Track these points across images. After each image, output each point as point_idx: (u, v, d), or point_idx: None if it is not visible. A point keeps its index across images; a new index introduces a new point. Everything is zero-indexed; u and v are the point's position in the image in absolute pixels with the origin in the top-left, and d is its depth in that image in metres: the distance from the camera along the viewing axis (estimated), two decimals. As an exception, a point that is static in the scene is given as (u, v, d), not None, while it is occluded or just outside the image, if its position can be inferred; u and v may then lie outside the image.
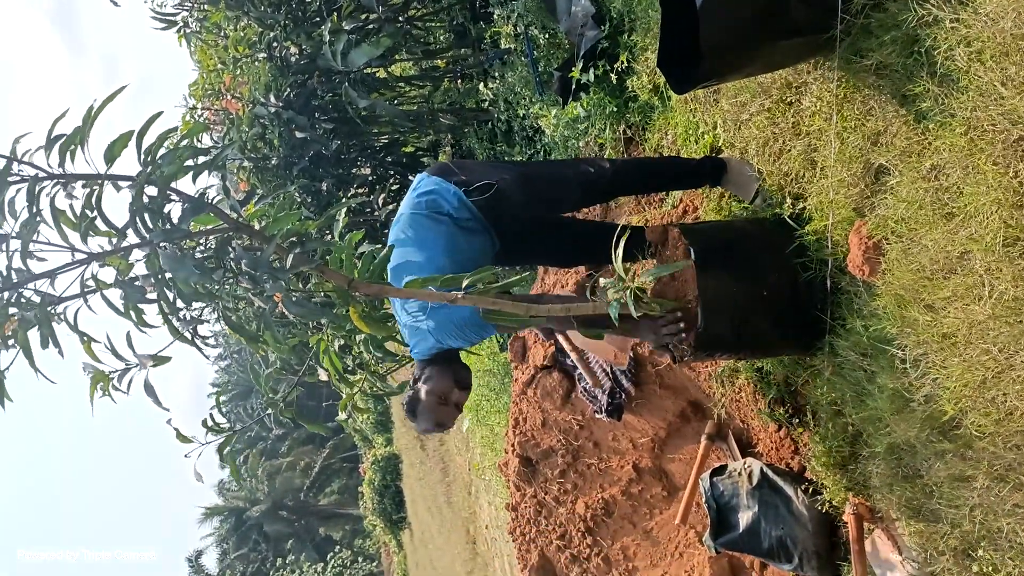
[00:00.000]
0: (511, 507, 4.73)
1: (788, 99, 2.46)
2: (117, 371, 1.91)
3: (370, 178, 5.83)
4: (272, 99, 4.74)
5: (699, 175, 2.92)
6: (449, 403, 2.48)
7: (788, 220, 2.49)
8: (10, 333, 1.65)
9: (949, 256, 1.87)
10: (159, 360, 1.89)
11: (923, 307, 1.97)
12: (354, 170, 5.72)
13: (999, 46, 1.66)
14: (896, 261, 2.04)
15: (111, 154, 1.62)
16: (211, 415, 2.40)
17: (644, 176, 2.96)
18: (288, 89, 4.74)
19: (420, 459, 14.07)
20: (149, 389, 1.90)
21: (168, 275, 1.66)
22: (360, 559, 27.12)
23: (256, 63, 4.82)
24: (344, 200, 5.13)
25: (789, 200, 2.54)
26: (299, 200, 5.09)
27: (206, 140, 5.75)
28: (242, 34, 5.01)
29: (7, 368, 1.70)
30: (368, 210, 5.61)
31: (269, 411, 2.35)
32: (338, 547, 29.48)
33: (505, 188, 2.54)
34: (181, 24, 5.76)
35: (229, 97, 5.08)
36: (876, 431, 2.24)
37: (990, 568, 1.90)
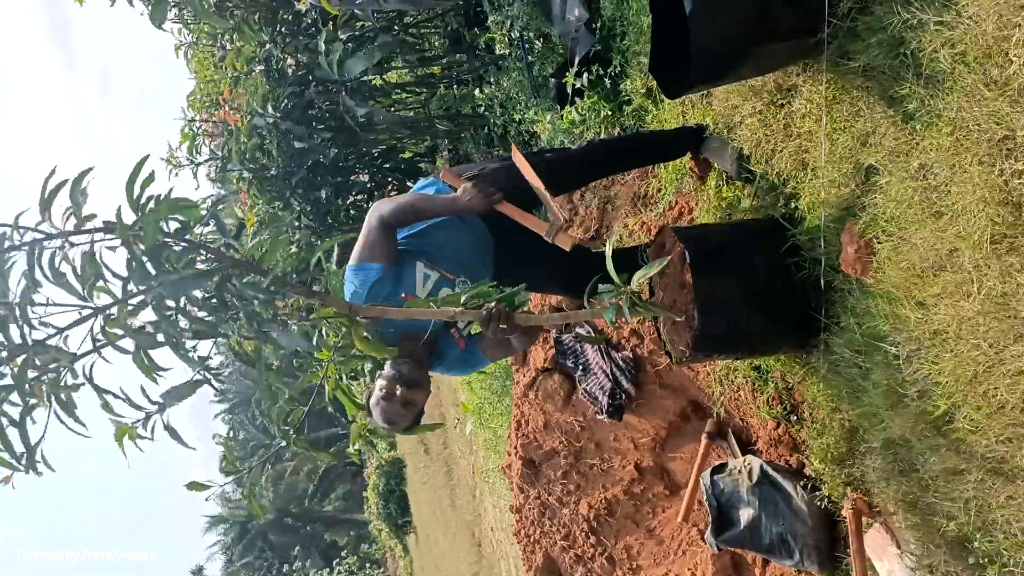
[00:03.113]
0: (515, 509, 4.76)
1: (779, 101, 2.50)
2: (139, 420, 1.90)
3: (368, 185, 5.86)
4: (270, 110, 4.78)
5: (678, 142, 3.00)
6: (395, 399, 2.32)
7: (781, 220, 2.52)
8: (44, 398, 1.66)
9: (938, 254, 1.91)
10: (185, 392, 1.89)
11: (914, 304, 2.00)
12: (352, 177, 5.76)
13: (982, 48, 1.70)
14: (887, 259, 2.08)
15: (89, 219, 1.64)
16: (225, 458, 2.38)
17: (614, 154, 3.00)
18: (285, 100, 4.77)
19: (424, 463, 14.08)
20: (172, 432, 1.91)
21: (172, 313, 1.69)
22: (366, 564, 27.10)
23: (253, 75, 4.86)
24: (341, 209, 5.17)
25: (782, 201, 2.57)
26: (298, 209, 5.12)
27: (204, 151, 5.79)
28: (240, 45, 5.05)
29: (43, 436, 1.70)
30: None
31: (283, 443, 2.36)
32: (344, 553, 29.45)
33: (488, 173, 2.64)
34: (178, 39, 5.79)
35: (227, 109, 5.12)
36: (872, 427, 2.27)
37: (986, 559, 1.93)
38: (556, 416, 4.40)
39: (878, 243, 2.12)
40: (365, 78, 5.23)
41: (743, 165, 2.76)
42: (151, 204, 1.60)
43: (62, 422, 1.68)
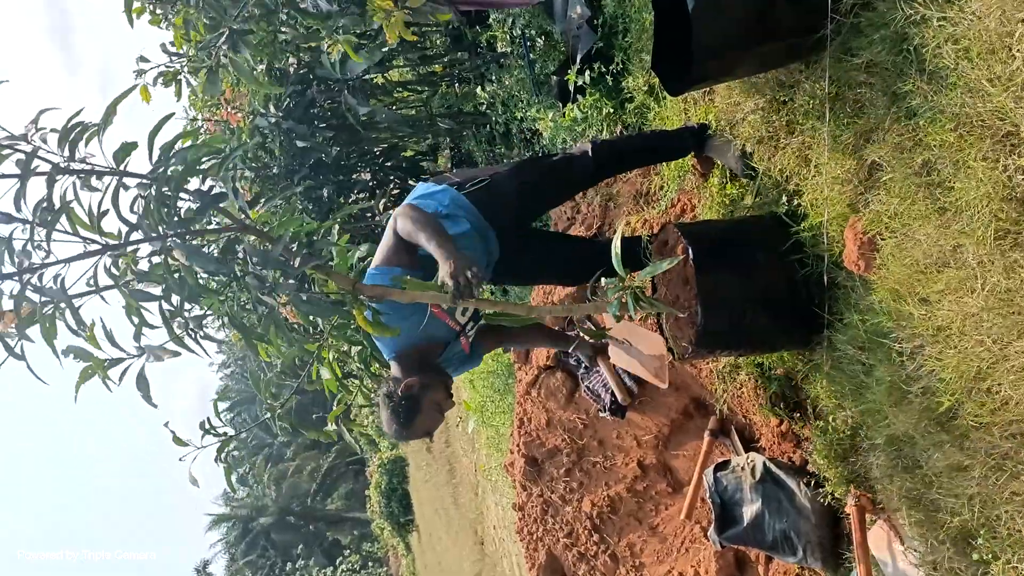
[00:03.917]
0: (518, 507, 4.77)
1: (781, 98, 2.49)
2: (112, 360, 1.84)
3: (370, 183, 5.86)
4: (272, 109, 4.78)
5: (681, 141, 3.01)
6: (443, 412, 2.56)
7: (784, 217, 2.52)
8: (12, 327, 1.65)
9: (942, 250, 1.90)
10: (166, 353, 1.86)
11: (918, 300, 2.00)
12: (354, 176, 5.75)
13: (985, 44, 1.69)
14: (891, 256, 2.07)
15: (122, 154, 1.66)
16: (208, 420, 2.36)
17: (617, 155, 3.01)
18: (287, 99, 4.77)
19: (426, 461, 14.10)
20: (142, 382, 1.85)
21: (178, 272, 1.69)
22: (369, 563, 27.13)
23: (255, 74, 4.85)
24: (343, 206, 5.17)
25: (785, 197, 2.57)
26: (301, 207, 5.12)
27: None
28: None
29: (3, 363, 1.69)
30: (369, 215, 5.64)
31: (268, 415, 2.37)
32: (347, 551, 29.49)
33: (498, 180, 2.69)
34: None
35: (229, 109, 5.11)
36: (875, 423, 2.27)
37: (989, 556, 1.93)
38: (559, 414, 4.40)
39: (881, 239, 2.12)
40: (367, 76, 5.23)
41: (746, 162, 2.76)
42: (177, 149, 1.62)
43: (23, 358, 1.68)
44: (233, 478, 2.53)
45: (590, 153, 2.85)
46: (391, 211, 5.60)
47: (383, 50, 4.23)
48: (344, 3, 2.73)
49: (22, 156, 1.62)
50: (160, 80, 3.22)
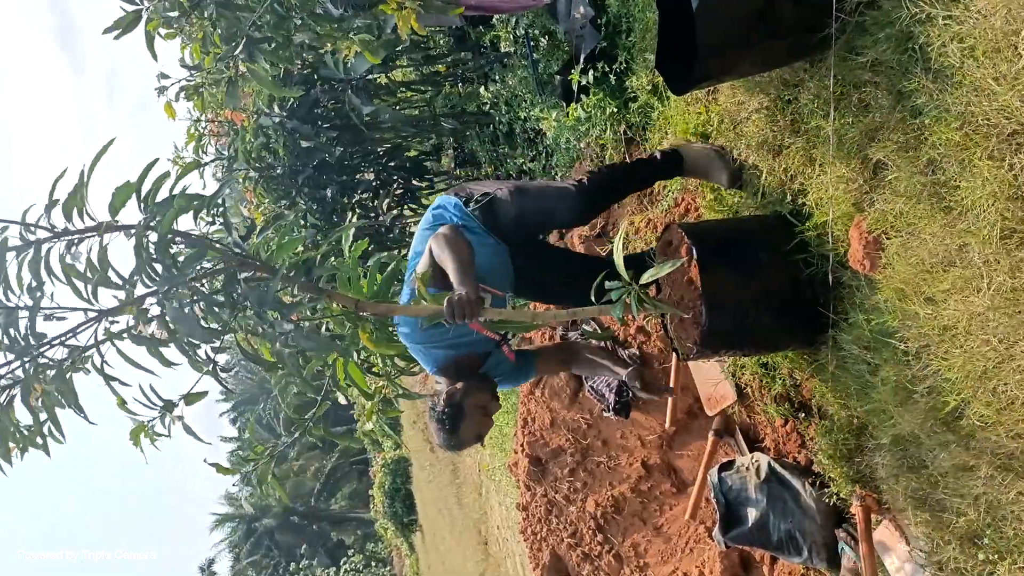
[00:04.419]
0: (522, 507, 4.77)
1: (786, 97, 2.49)
2: (154, 417, 1.95)
3: (374, 183, 5.86)
4: (276, 109, 4.78)
5: (666, 169, 2.99)
6: (490, 414, 2.60)
7: (789, 216, 2.52)
8: (37, 402, 1.69)
9: (948, 249, 1.90)
10: (192, 398, 1.94)
11: (923, 300, 2.00)
12: (358, 176, 5.75)
13: (991, 42, 1.69)
14: (896, 255, 2.07)
15: (114, 206, 1.67)
16: (249, 443, 2.46)
17: (612, 182, 2.97)
18: (291, 99, 4.77)
19: (430, 461, 14.09)
20: (188, 430, 1.96)
21: (174, 331, 1.71)
22: (372, 563, 27.15)
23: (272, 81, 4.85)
24: (350, 217, 5.18)
25: (789, 197, 2.57)
26: (305, 207, 5.12)
27: (211, 151, 5.78)
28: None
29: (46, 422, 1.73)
30: (373, 215, 5.65)
31: (297, 434, 2.38)
32: (350, 551, 29.50)
33: (501, 196, 2.74)
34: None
35: (232, 109, 5.11)
36: (881, 423, 2.26)
37: (995, 556, 1.93)
38: (563, 413, 4.40)
39: (887, 239, 2.11)
40: (371, 76, 5.24)
41: (736, 174, 2.78)
42: (162, 198, 1.62)
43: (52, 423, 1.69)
44: (283, 491, 2.57)
45: (576, 187, 2.82)
46: (394, 211, 5.62)
47: (396, 48, 4.23)
48: (353, 6, 2.73)
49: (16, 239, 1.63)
50: (182, 94, 3.27)
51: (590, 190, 2.80)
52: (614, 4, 3.71)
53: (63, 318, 1.71)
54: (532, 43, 4.57)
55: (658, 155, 2.94)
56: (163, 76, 3.26)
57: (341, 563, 27.72)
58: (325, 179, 5.22)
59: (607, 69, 3.74)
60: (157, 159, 1.80)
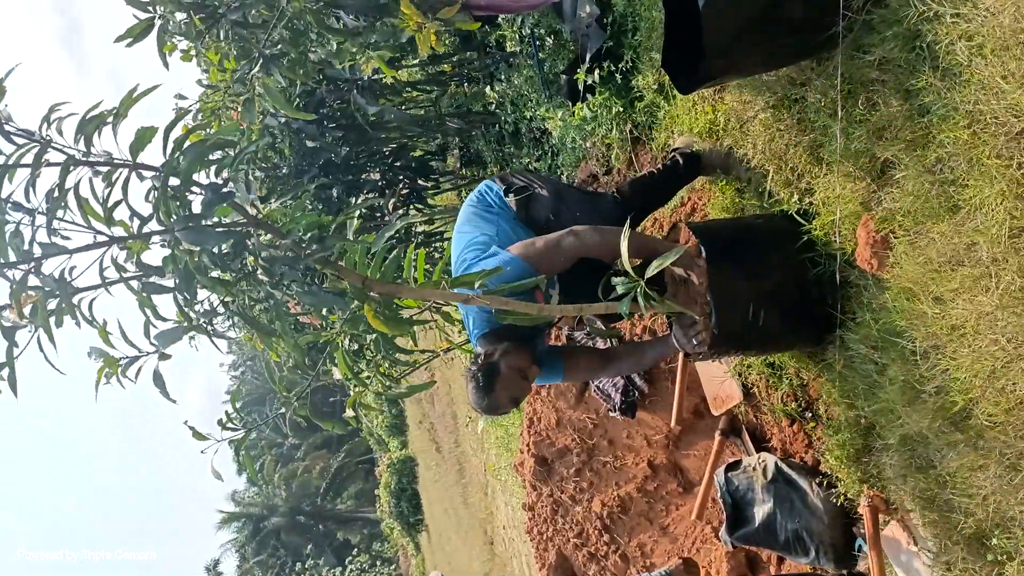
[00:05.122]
0: (528, 507, 4.76)
1: (793, 96, 2.48)
2: (127, 358, 1.87)
3: (380, 183, 5.87)
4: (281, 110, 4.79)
5: (690, 171, 3.04)
6: (528, 378, 2.55)
7: (795, 216, 2.51)
8: (27, 312, 1.65)
9: (956, 248, 1.89)
10: (179, 336, 1.87)
11: (931, 299, 1.99)
12: (364, 175, 5.76)
13: (999, 40, 1.68)
14: (904, 254, 2.06)
15: (138, 144, 1.66)
16: (227, 414, 2.41)
17: (647, 195, 3.05)
18: (297, 99, 4.78)
19: (436, 461, 14.10)
20: (158, 379, 1.87)
21: (186, 262, 1.69)
22: (378, 562, 27.19)
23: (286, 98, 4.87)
24: (355, 203, 5.18)
25: (796, 196, 2.56)
26: (311, 207, 5.13)
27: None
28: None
29: (21, 352, 1.69)
30: (379, 214, 5.65)
31: (283, 410, 2.38)
32: (356, 551, 29.56)
33: (539, 194, 2.81)
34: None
35: (238, 109, 5.12)
36: (888, 423, 2.25)
37: (1004, 556, 1.92)
38: (569, 413, 4.39)
39: (894, 238, 2.11)
40: (376, 76, 5.24)
41: (740, 165, 2.81)
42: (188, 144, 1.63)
43: (42, 349, 1.68)
44: (252, 469, 2.56)
45: (612, 202, 2.91)
46: (400, 210, 5.62)
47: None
48: (370, 18, 2.72)
49: (35, 148, 1.62)
50: (200, 116, 3.31)
51: (623, 217, 2.84)
52: (620, 3, 3.71)
53: (67, 238, 1.69)
54: (538, 42, 4.56)
55: (680, 160, 2.97)
56: (180, 96, 3.37)
57: (347, 563, 27.78)
58: (331, 179, 5.23)
59: (613, 68, 3.74)
60: (190, 110, 1.81)
